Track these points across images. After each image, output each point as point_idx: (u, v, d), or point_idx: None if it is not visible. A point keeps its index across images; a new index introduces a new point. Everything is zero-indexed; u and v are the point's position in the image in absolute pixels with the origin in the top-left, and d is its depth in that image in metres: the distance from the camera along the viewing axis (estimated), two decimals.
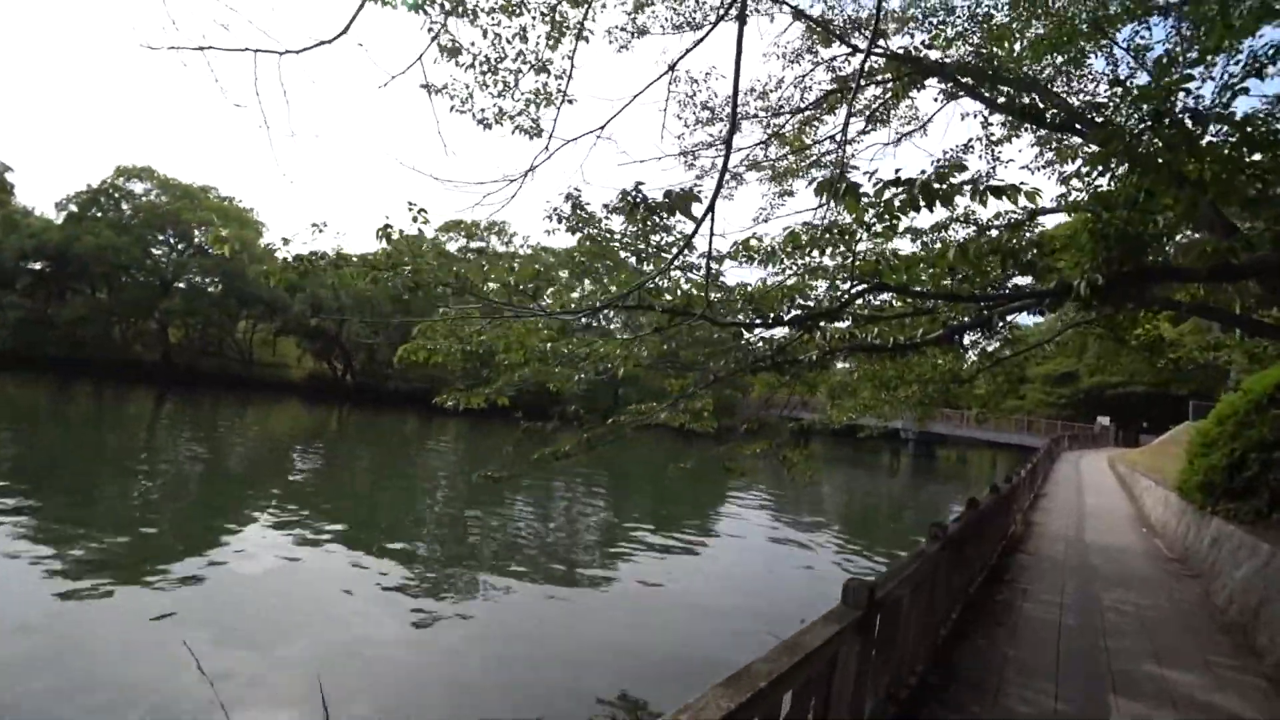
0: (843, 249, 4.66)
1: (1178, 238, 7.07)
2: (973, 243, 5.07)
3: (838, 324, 6.47)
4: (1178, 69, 6.14)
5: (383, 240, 5.22)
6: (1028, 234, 5.84)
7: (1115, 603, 7.52)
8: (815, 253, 4.75)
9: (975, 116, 10.45)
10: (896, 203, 3.27)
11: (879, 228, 4.14)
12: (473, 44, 6.61)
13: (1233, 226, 6.09)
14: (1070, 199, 6.27)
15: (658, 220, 4.31)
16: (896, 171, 3.34)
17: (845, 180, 3.26)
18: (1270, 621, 6.41)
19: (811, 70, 10.24)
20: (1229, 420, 10.68)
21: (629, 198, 3.69)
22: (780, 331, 6.66)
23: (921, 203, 3.22)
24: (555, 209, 5.72)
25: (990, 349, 10.33)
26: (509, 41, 6.56)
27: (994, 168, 10.02)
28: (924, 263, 5.47)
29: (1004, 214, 8.78)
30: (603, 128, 4.67)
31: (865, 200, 3.36)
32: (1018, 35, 10.41)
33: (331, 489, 21.86)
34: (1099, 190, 5.40)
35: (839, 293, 5.69)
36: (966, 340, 8.81)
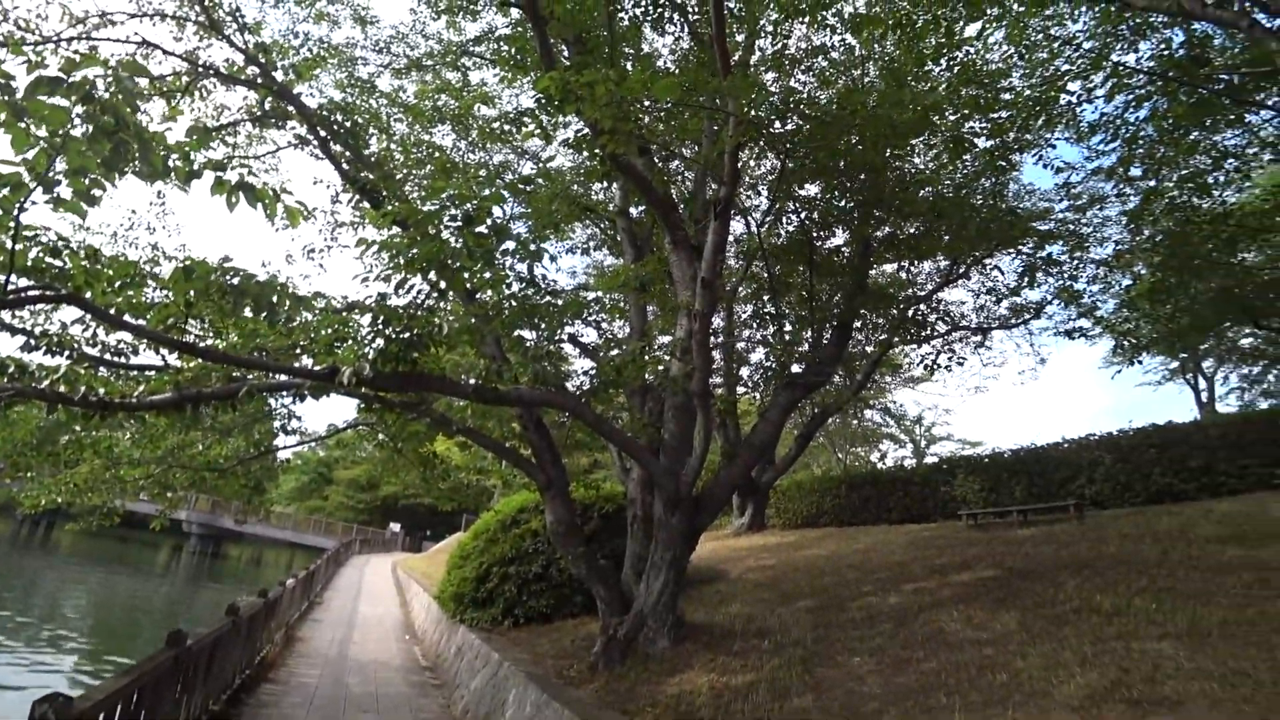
0: None
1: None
2: (204, 268, 3.88)
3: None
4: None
5: None
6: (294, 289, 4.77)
7: None
8: None
9: (329, 187, 9.90)
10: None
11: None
12: None
13: (506, 357, 6.75)
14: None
15: None
16: None
17: None
18: None
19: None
20: (482, 535, 12.05)
21: None
22: None
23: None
24: None
25: (258, 435, 9.17)
26: None
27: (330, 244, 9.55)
28: (154, 281, 4.11)
29: None
30: None
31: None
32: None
33: None
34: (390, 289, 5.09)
35: None
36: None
